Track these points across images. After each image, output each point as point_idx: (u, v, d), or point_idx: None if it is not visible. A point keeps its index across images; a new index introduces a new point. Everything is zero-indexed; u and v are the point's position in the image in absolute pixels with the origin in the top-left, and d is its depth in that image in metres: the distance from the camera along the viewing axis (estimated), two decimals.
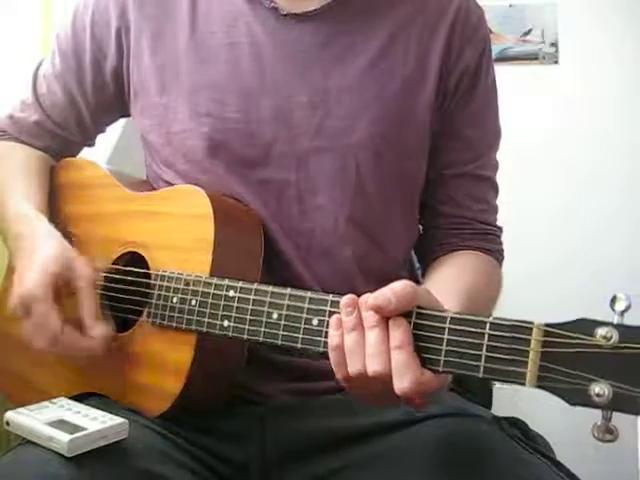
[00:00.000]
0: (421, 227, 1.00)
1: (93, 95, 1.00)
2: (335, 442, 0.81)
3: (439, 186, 0.96)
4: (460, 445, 0.76)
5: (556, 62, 2.39)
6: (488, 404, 1.05)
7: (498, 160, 1.00)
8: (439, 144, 0.94)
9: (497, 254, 0.98)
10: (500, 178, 1.00)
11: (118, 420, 0.73)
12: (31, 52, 1.53)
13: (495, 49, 2.33)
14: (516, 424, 0.79)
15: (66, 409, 0.76)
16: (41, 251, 0.83)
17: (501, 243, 1.00)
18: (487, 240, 0.97)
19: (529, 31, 2.40)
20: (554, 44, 2.39)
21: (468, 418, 0.80)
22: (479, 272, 0.92)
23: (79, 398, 0.82)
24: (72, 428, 0.71)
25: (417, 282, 0.98)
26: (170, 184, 0.93)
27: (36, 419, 0.73)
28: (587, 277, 2.28)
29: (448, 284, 0.86)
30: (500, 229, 1.00)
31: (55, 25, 1.53)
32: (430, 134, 0.93)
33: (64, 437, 0.69)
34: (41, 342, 0.80)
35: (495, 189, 1.00)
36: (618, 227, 2.32)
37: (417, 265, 1.04)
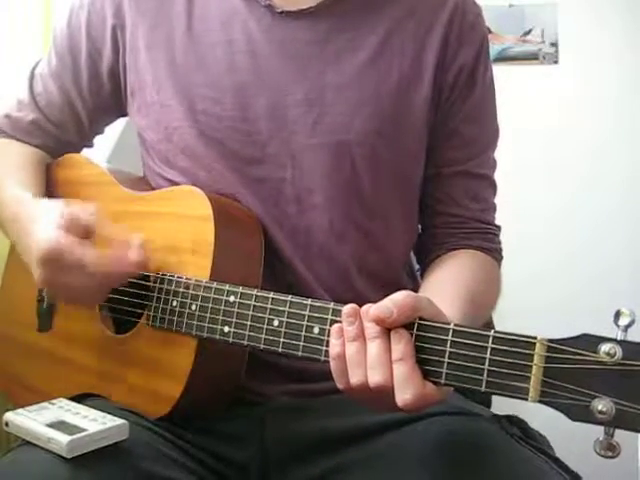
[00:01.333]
0: (419, 226, 1.00)
1: (89, 95, 1.00)
2: (335, 442, 0.81)
3: (437, 184, 0.96)
4: (460, 443, 0.76)
5: (556, 62, 2.39)
6: (488, 403, 1.05)
7: (497, 159, 1.00)
8: (437, 142, 0.94)
9: (496, 253, 0.98)
10: (500, 178, 1.00)
11: (118, 421, 0.73)
12: (31, 51, 1.53)
13: (495, 49, 2.33)
14: (516, 422, 0.79)
15: (65, 410, 0.76)
16: (39, 213, 0.81)
17: (500, 242, 0.99)
18: (486, 239, 0.97)
19: (529, 31, 2.39)
20: (554, 44, 2.38)
21: (468, 416, 0.80)
22: (478, 272, 0.91)
23: (79, 399, 0.82)
24: (72, 429, 0.71)
25: (417, 284, 0.98)
26: (169, 181, 0.93)
27: (35, 420, 0.73)
28: (588, 277, 2.28)
29: (448, 285, 0.86)
30: (499, 228, 1.00)
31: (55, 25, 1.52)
32: (427, 132, 0.93)
33: (63, 438, 0.68)
34: (92, 282, 0.77)
35: (493, 188, 1.00)
36: (618, 227, 2.32)
37: (417, 267, 1.04)
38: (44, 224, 0.78)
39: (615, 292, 2.16)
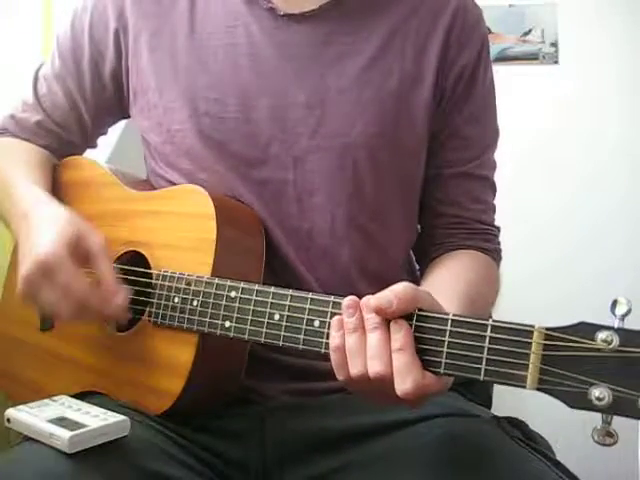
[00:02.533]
0: (419, 227, 1.00)
1: (92, 97, 1.00)
2: (335, 442, 0.82)
3: (437, 185, 0.96)
4: (460, 445, 0.76)
5: (556, 62, 2.39)
6: (488, 404, 1.05)
7: (497, 160, 1.00)
8: (437, 143, 0.95)
9: (495, 254, 0.98)
10: (499, 178, 1.00)
11: (119, 417, 0.73)
12: (32, 53, 1.53)
13: (495, 49, 2.33)
14: (516, 424, 0.80)
15: (67, 407, 0.76)
16: (50, 222, 0.81)
17: (499, 243, 0.99)
18: (485, 240, 0.97)
19: (529, 31, 2.40)
20: (554, 44, 2.39)
21: (468, 418, 0.81)
22: (477, 272, 0.92)
23: (80, 396, 0.82)
24: (73, 425, 0.71)
25: (417, 282, 0.98)
26: (172, 183, 0.93)
27: (37, 416, 0.73)
28: (588, 277, 2.28)
29: (447, 286, 0.86)
30: (498, 229, 1.00)
31: (56, 26, 1.53)
32: (428, 133, 0.93)
33: (65, 434, 0.69)
34: (68, 308, 0.77)
35: (493, 189, 1.00)
36: (618, 227, 2.32)
37: (417, 267, 1.04)
38: (54, 232, 0.79)
39: (615, 292, 2.15)
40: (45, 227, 0.81)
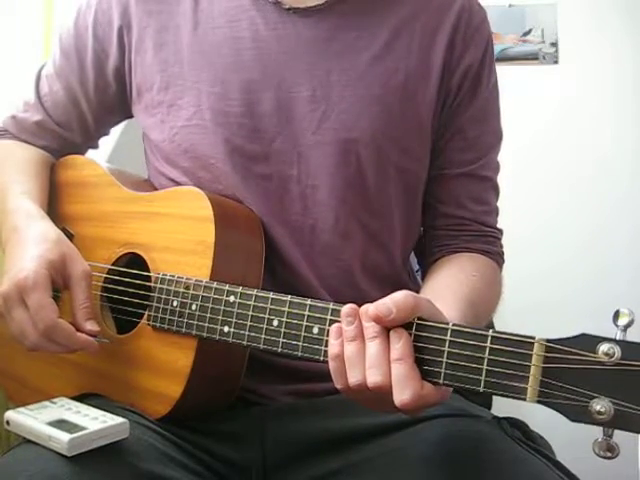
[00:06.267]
0: (421, 228, 1.00)
1: (95, 94, 1.00)
2: (335, 443, 0.81)
3: (440, 186, 0.96)
4: (460, 445, 0.75)
5: (556, 62, 2.39)
6: (488, 404, 1.05)
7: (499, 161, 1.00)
8: (441, 143, 0.94)
9: (498, 257, 0.97)
10: (500, 178, 1.00)
11: (118, 420, 0.73)
12: (32, 53, 1.53)
13: (495, 49, 2.32)
14: (516, 424, 0.79)
15: (66, 409, 0.76)
16: (38, 240, 0.82)
17: (502, 246, 0.99)
18: (487, 242, 0.96)
19: (529, 31, 2.40)
20: (554, 44, 2.39)
21: (468, 418, 0.80)
22: (479, 276, 0.91)
23: (80, 398, 0.82)
24: (72, 428, 0.71)
25: (417, 284, 0.98)
26: (172, 181, 0.93)
27: (36, 419, 0.73)
28: (588, 277, 2.28)
29: (448, 289, 0.85)
30: (501, 231, 0.99)
31: (56, 26, 1.53)
32: (432, 133, 0.93)
33: (64, 436, 0.69)
34: (34, 334, 0.77)
35: (496, 190, 1.00)
36: (618, 227, 2.32)
37: (416, 267, 1.04)
38: (40, 251, 0.80)
39: (615, 292, 2.16)
40: (32, 245, 0.81)
